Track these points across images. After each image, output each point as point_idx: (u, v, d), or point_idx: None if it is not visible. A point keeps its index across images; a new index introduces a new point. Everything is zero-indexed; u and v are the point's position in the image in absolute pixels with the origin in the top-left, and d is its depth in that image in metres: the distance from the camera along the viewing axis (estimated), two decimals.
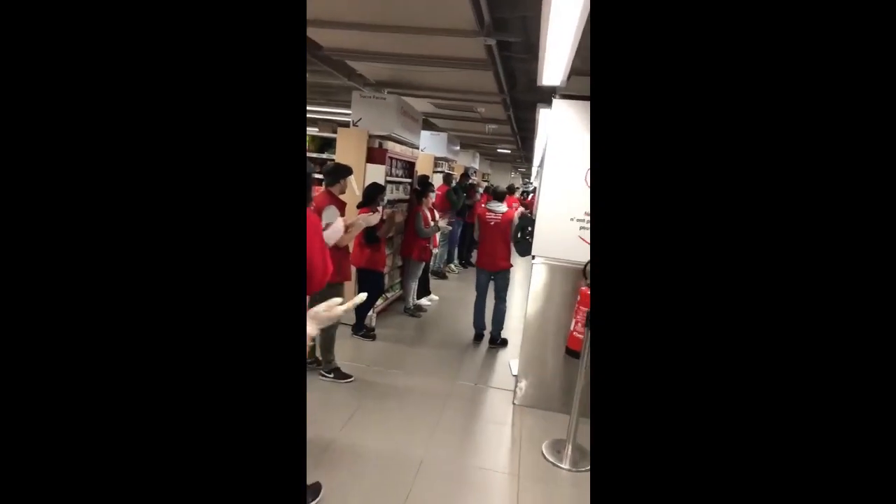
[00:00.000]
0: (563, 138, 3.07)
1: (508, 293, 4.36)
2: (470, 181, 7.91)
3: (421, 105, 5.94)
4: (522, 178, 22.12)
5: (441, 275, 7.10)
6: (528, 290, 3.27)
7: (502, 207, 4.23)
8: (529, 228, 3.45)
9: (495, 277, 4.28)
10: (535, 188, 13.84)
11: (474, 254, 8.38)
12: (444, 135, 7.45)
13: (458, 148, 8.91)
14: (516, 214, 4.23)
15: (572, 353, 3.06)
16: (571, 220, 3.08)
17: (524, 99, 5.99)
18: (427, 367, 3.77)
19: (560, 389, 3.22)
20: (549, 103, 3.77)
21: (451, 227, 5.17)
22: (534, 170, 14.48)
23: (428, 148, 7.33)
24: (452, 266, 7.64)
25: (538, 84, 2.87)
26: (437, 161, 7.42)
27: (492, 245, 4.21)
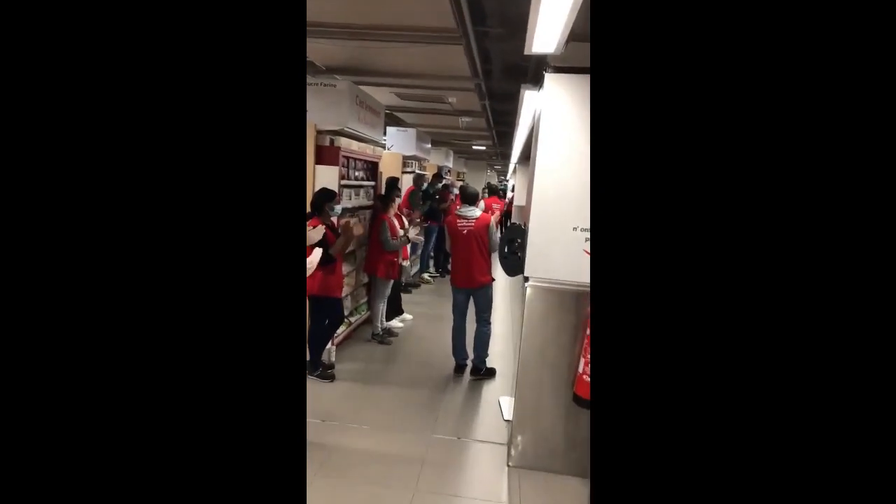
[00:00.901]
0: (560, 125, 2.37)
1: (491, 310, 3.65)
2: (444, 182, 7.18)
3: (384, 97, 5.19)
4: (498, 177, 21.51)
5: (414, 285, 6.36)
6: (522, 313, 2.57)
7: (475, 212, 3.53)
8: (519, 241, 2.73)
9: (475, 296, 3.57)
10: (512, 186, 13.15)
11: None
12: (412, 131, 6.71)
13: (429, 145, 8.18)
14: (493, 219, 3.51)
15: (580, 402, 2.36)
16: (574, 229, 2.38)
17: (501, 89, 5.29)
18: (398, 417, 3.02)
19: (566, 444, 2.52)
20: (536, 83, 3.08)
21: (421, 238, 4.43)
22: (510, 167, 13.83)
23: (395, 146, 6.57)
24: (427, 276, 6.89)
25: (525, 53, 2.16)
26: (406, 160, 6.67)
27: (466, 258, 3.49)
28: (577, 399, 2.36)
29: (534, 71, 3.34)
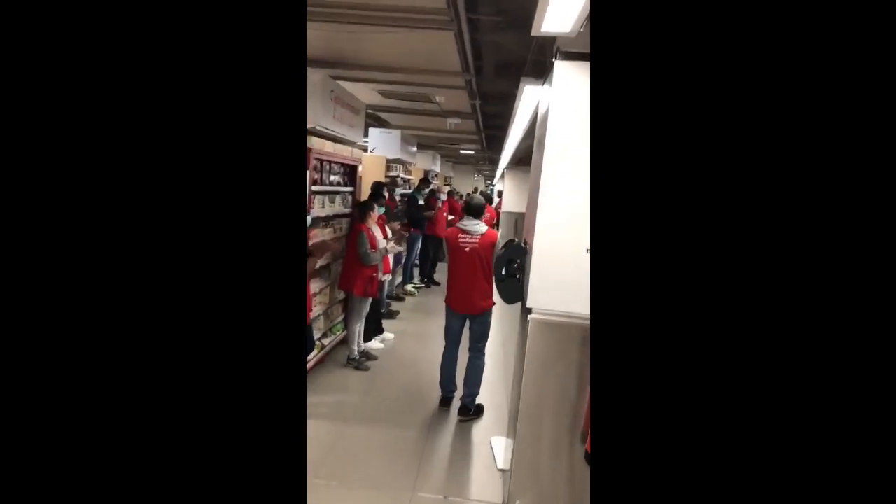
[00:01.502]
0: (573, 123, 1.93)
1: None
2: (430, 187, 6.73)
3: (366, 94, 4.74)
4: (485, 181, 21.14)
5: (397, 298, 5.89)
6: (518, 345, 2.15)
7: (480, 227, 3.01)
8: (518, 262, 2.29)
9: (472, 322, 3.10)
10: (499, 191, 12.73)
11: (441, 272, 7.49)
12: (396, 132, 6.26)
13: (415, 149, 7.73)
14: (497, 237, 3.07)
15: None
16: (589, 252, 1.94)
17: (493, 89, 4.87)
18: (373, 469, 2.55)
19: None
20: (539, 76, 2.66)
21: (401, 249, 3.98)
22: (499, 171, 13.44)
23: (378, 148, 6.12)
24: (411, 287, 6.43)
25: (533, 34, 1.73)
26: (390, 163, 6.22)
27: (467, 279, 3.01)
28: (588, 457, 1.93)
29: (535, 62, 2.92)
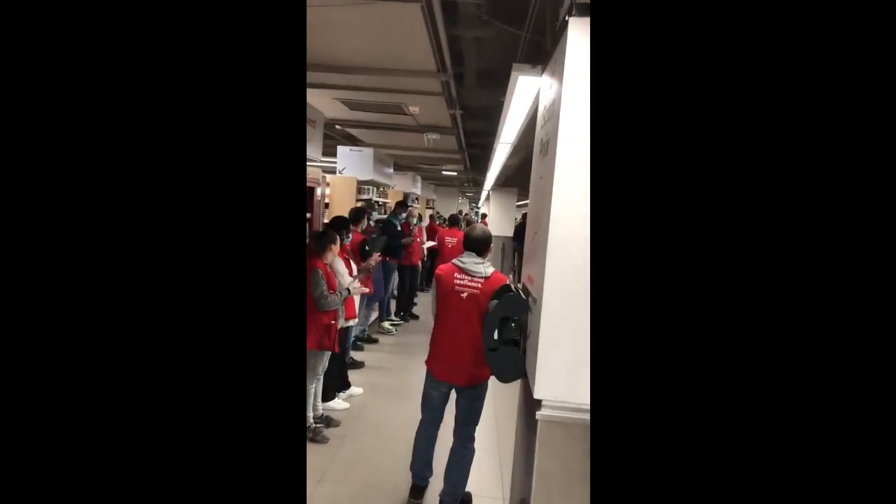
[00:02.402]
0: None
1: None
2: (408, 210, 6.01)
3: (326, 105, 4.07)
4: (470, 204, 20.58)
5: (369, 340, 5.11)
6: (518, 440, 1.44)
7: (485, 268, 2.22)
8: (517, 321, 1.57)
9: (461, 396, 2.32)
10: (483, 214, 12.09)
11: (423, 299, 6.64)
12: (368, 151, 5.57)
13: (391, 170, 7.07)
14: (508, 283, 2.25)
15: None
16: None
17: (474, 103, 4.25)
18: None
19: None
20: (534, 63, 2.00)
21: (366, 290, 3.23)
22: (484, 193, 12.82)
23: (348, 168, 5.42)
24: (387, 324, 5.66)
25: None
26: (362, 185, 5.53)
27: (460, 335, 2.23)
28: None
29: (531, 44, 2.26)
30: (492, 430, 3.31)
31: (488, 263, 2.27)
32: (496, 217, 10.51)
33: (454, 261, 2.30)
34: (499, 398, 3.54)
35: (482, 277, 2.21)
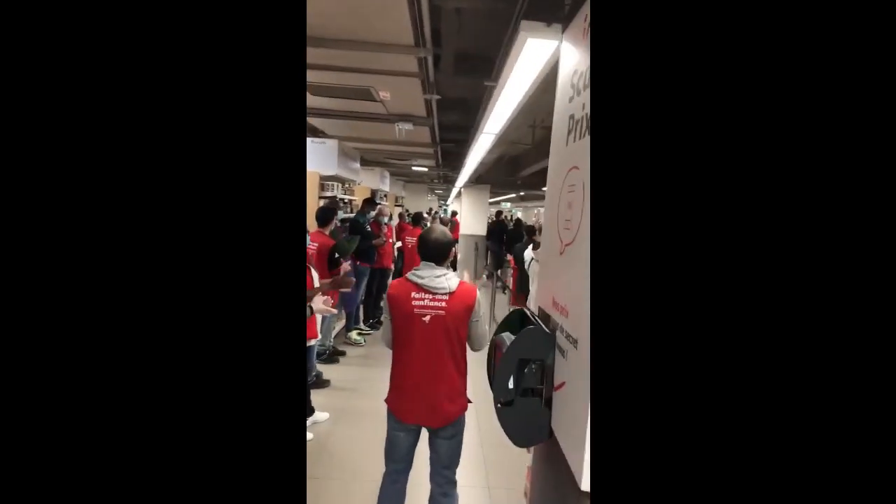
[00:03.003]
0: None
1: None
2: (378, 208, 5.50)
3: None
4: (439, 201, 20.15)
5: (334, 355, 4.59)
6: None
7: (448, 280, 1.79)
8: (539, 362, 1.14)
9: (434, 436, 1.89)
10: (453, 212, 11.61)
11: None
12: (332, 143, 5.05)
13: (357, 164, 6.55)
14: (478, 296, 1.84)
15: None
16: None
17: (451, 93, 3.80)
18: None
19: None
20: (550, 17, 1.56)
21: (333, 312, 2.71)
22: (455, 190, 12.34)
23: (309, 162, 4.89)
24: (355, 335, 5.16)
25: None
26: (325, 181, 5.00)
27: (427, 369, 1.80)
28: None
29: (530, 5, 1.82)
30: (478, 461, 2.88)
31: (451, 274, 1.82)
32: (469, 215, 10.10)
33: (409, 275, 1.82)
34: (483, 418, 3.10)
35: (446, 293, 1.76)
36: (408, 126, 4.35)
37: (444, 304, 1.77)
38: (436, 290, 1.77)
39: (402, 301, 1.79)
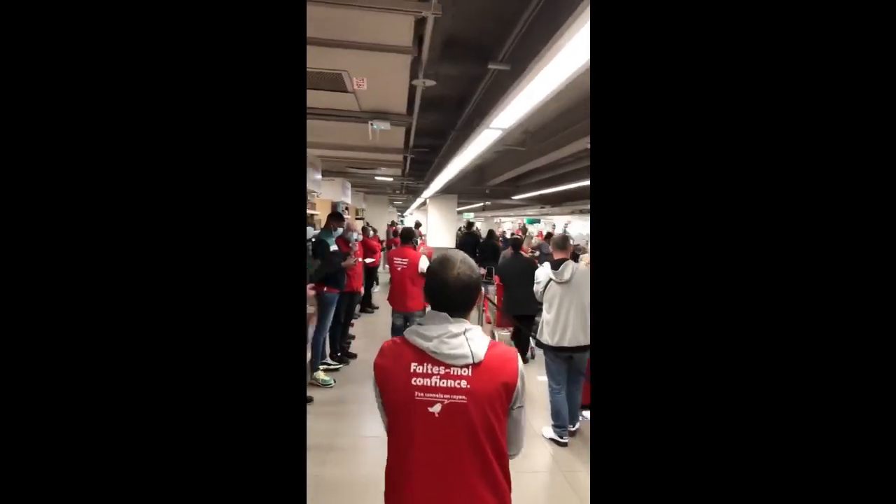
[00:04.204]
0: None
1: None
2: (345, 223, 4.66)
3: None
4: (399, 214, 19.39)
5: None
6: None
7: (468, 341, 1.08)
8: None
9: None
10: (416, 223, 10.76)
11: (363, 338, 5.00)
12: None
13: (318, 176, 5.76)
14: (521, 367, 1.12)
15: None
16: None
17: (432, 92, 3.13)
18: None
19: None
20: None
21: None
22: (419, 200, 11.57)
23: None
24: (320, 374, 4.32)
25: None
26: None
27: (439, 492, 1.06)
28: None
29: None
30: None
31: (475, 330, 1.12)
32: (435, 227, 9.42)
33: (408, 334, 1.13)
34: None
35: (467, 364, 1.07)
36: (384, 125, 3.62)
37: (465, 383, 1.07)
38: (452, 360, 1.07)
39: (395, 378, 1.10)
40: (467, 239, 9.05)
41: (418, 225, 11.07)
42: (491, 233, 9.10)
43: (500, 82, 3.16)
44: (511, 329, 5.40)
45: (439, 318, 1.12)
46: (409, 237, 4.32)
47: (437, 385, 1.07)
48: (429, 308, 1.16)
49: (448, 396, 1.06)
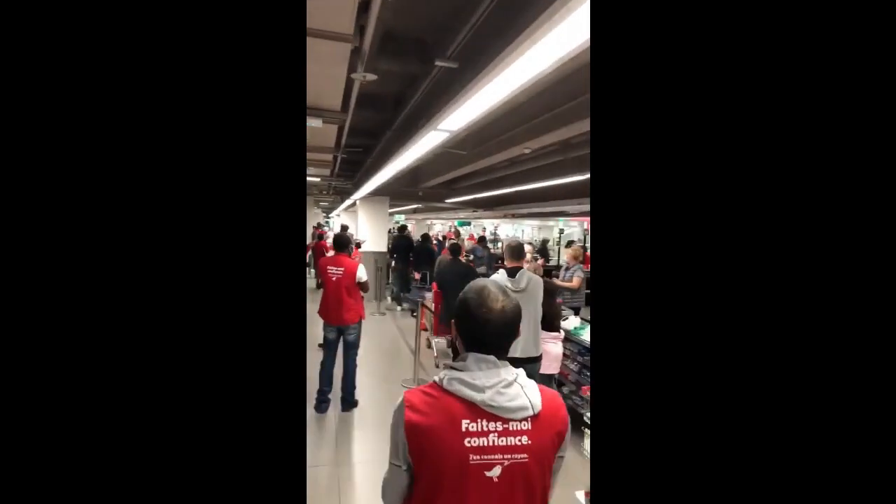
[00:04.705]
0: None
1: None
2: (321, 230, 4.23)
3: None
4: (325, 215, 18.66)
5: None
6: None
7: (522, 389, 0.92)
8: None
9: None
10: (344, 227, 10.23)
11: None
12: None
13: None
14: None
15: None
16: None
17: (371, 88, 2.87)
18: None
19: None
20: None
21: None
22: (348, 202, 11.03)
23: None
24: None
25: None
26: None
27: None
28: None
29: None
30: None
31: (521, 372, 0.96)
32: (367, 229, 9.05)
33: (450, 384, 0.92)
34: None
35: (528, 415, 0.91)
36: (316, 123, 3.29)
37: (525, 438, 0.90)
38: (510, 414, 0.90)
39: (443, 439, 0.89)
40: (400, 242, 8.75)
41: (345, 228, 10.53)
42: (426, 236, 8.87)
43: (444, 81, 2.95)
44: (448, 338, 5.22)
45: (487, 363, 0.92)
46: (343, 244, 3.96)
47: (496, 444, 0.89)
48: (469, 353, 0.95)
49: (508, 456, 0.89)
